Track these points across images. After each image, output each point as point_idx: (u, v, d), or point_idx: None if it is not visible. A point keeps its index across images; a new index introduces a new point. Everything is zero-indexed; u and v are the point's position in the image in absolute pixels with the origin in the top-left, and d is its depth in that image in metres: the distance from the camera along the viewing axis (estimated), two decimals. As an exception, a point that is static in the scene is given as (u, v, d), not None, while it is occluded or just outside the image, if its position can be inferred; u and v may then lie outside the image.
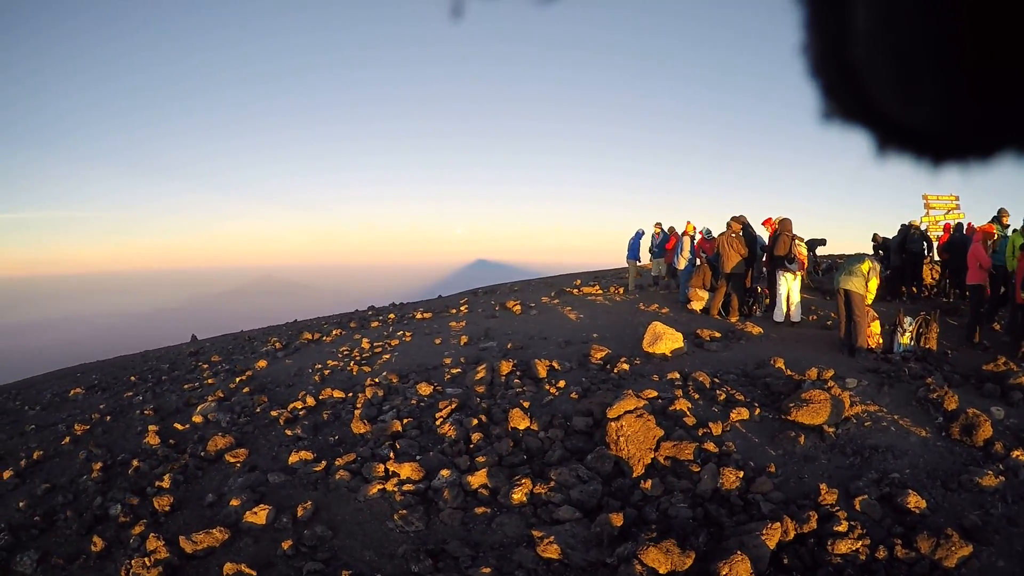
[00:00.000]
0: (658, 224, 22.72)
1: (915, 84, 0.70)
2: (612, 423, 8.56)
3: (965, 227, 19.48)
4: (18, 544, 7.78)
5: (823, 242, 20.34)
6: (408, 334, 17.09)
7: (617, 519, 6.87)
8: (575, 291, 22.63)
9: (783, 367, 11.40)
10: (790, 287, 15.63)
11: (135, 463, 9.73)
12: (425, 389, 11.43)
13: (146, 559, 6.73)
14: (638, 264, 23.49)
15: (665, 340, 13.03)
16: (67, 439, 11.67)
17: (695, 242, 19.35)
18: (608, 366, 12.26)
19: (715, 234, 18.17)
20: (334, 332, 19.46)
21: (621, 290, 22.22)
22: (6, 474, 10.18)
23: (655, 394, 10.07)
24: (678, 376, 11.19)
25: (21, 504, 8.96)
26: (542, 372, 11.71)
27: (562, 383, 11.10)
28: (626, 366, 11.94)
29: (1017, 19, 0.60)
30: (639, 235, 23.13)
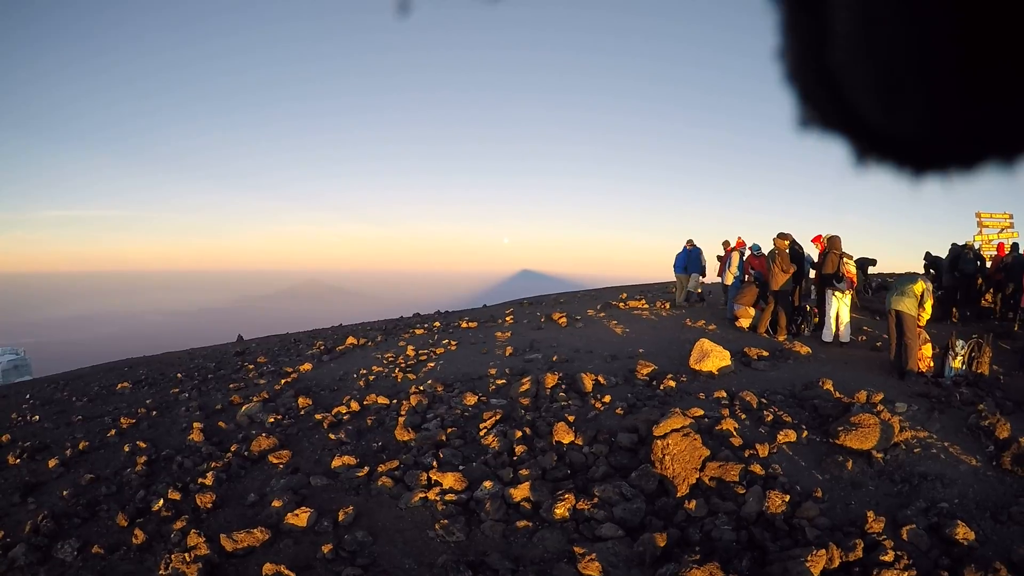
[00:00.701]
0: (690, 241, 22.44)
1: (897, 90, 0.68)
2: (658, 441, 8.47)
3: (1022, 247, 18.99)
4: (60, 532, 7.93)
5: (873, 262, 19.97)
6: (453, 343, 17.14)
7: (661, 539, 6.77)
8: (621, 305, 22.50)
9: (831, 389, 11.18)
10: (839, 306, 15.34)
11: (179, 459, 9.88)
12: (470, 399, 11.43)
13: (186, 555, 6.80)
14: (685, 277, 23.38)
15: (712, 358, 12.88)
16: (112, 432, 11.90)
17: (744, 258, 19.10)
18: (654, 382, 12.14)
19: (764, 250, 17.95)
20: (379, 338, 19.60)
21: (667, 305, 22.01)
22: (51, 463, 10.40)
23: (701, 413, 9.94)
24: (725, 395, 11.03)
25: (65, 493, 9.14)
26: (588, 386, 11.65)
27: (607, 398, 11.02)
28: (672, 383, 11.82)
29: (1005, 22, 0.58)
30: (686, 250, 23.00)
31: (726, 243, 22.11)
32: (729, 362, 12.98)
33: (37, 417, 14.89)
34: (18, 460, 10.99)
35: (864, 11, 0.65)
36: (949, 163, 0.71)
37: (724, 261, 20.72)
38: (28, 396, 19.45)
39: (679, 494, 7.92)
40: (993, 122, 0.65)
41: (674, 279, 23.41)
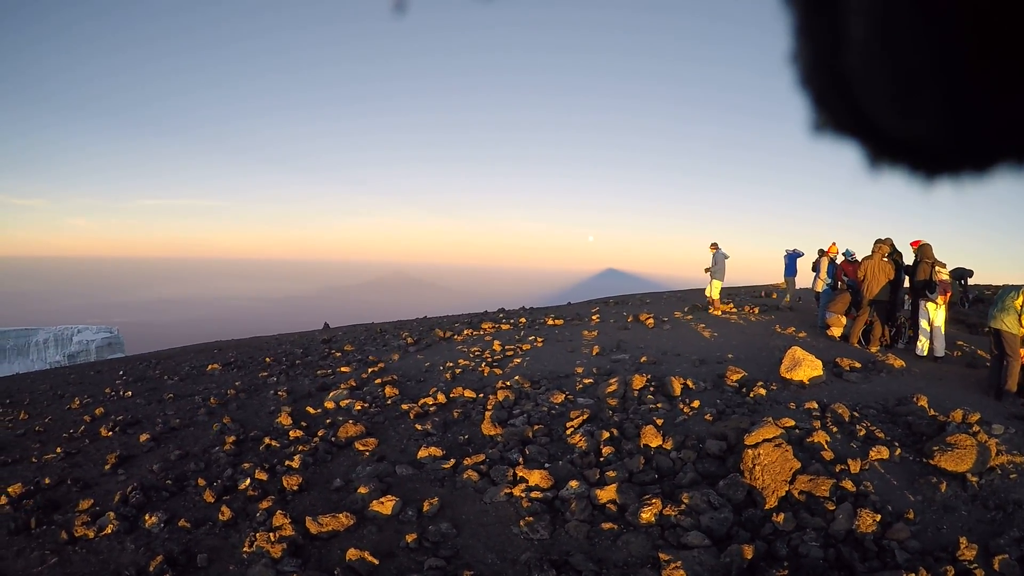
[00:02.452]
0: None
1: (911, 95, 0.68)
2: (749, 450, 8.27)
3: None
4: (148, 503, 8.25)
5: (970, 272, 19.10)
6: (540, 339, 17.18)
7: (748, 552, 6.62)
8: (709, 308, 22.20)
9: (926, 406, 10.69)
10: (933, 318, 14.71)
11: (267, 440, 10.16)
12: (557, 397, 11.41)
13: (271, 534, 6.95)
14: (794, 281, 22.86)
15: (804, 367, 12.50)
16: (202, 411, 12.33)
17: (837, 264, 18.52)
18: (743, 389, 11.86)
19: (859, 257, 17.33)
20: (465, 332, 19.73)
21: (756, 310, 21.55)
22: (142, 437, 10.83)
23: (792, 423, 9.65)
24: (816, 406, 10.67)
25: (155, 467, 9.53)
26: (677, 390, 11.48)
27: (696, 403, 10.83)
28: (762, 391, 11.53)
29: (1018, 27, 0.59)
30: (795, 254, 22.47)
31: (713, 245, 21.70)
32: (821, 372, 12.58)
33: (130, 393, 15.52)
34: (110, 433, 11.48)
35: (878, 16, 0.66)
36: (962, 167, 0.72)
37: (816, 267, 20.16)
38: (121, 372, 20.28)
39: (767, 506, 7.71)
40: (1007, 126, 0.66)
41: (768, 283, 22.93)
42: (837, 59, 0.72)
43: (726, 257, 21.49)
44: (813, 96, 0.78)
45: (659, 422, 9.97)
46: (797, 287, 23.90)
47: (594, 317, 21.22)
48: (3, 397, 18.50)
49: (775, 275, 24.78)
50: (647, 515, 7.38)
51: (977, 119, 0.66)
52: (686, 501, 7.60)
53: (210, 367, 18.24)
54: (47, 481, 9.20)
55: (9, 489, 8.80)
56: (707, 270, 21.70)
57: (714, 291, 21.91)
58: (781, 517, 7.36)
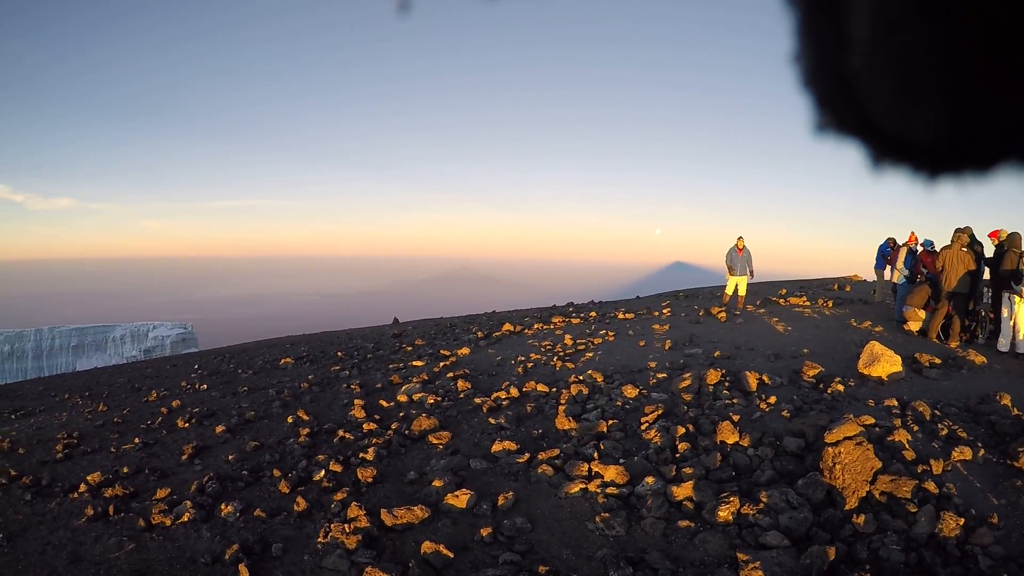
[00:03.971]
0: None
1: (913, 96, 0.68)
2: (829, 448, 8.04)
3: None
4: (224, 493, 8.45)
5: None
6: (611, 333, 17.11)
7: (831, 553, 6.44)
8: (781, 301, 21.80)
9: (1009, 405, 10.23)
10: (1017, 312, 14.05)
11: (341, 433, 10.30)
12: (631, 391, 11.31)
13: (346, 525, 7.03)
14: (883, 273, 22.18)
15: (883, 362, 12.09)
16: (276, 403, 12.56)
17: (917, 256, 17.87)
18: (821, 385, 11.56)
19: (939, 247, 16.67)
20: (536, 326, 19.75)
21: (830, 303, 21.01)
22: (218, 429, 11.10)
23: (872, 421, 9.37)
24: (896, 404, 10.33)
25: (230, 457, 9.78)
26: (753, 385, 11.26)
27: (773, 399, 10.61)
28: (840, 387, 11.20)
29: (1020, 27, 0.59)
30: (886, 245, 21.85)
31: (740, 239, 20.80)
32: (900, 368, 12.14)
33: (205, 386, 15.92)
34: (187, 424, 11.80)
35: (881, 17, 0.66)
36: (965, 166, 0.72)
37: (893, 259, 19.48)
38: (196, 366, 20.81)
39: (847, 507, 7.48)
40: (1009, 125, 0.66)
41: (843, 276, 22.30)
42: (840, 60, 0.73)
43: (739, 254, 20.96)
44: (816, 96, 0.79)
45: (735, 418, 9.79)
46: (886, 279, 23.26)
47: (665, 311, 21.08)
48: (83, 390, 19.15)
49: (857, 267, 24.08)
50: (724, 513, 7.24)
51: (979, 119, 0.66)
52: (764, 500, 7.43)
53: (283, 361, 18.60)
54: (125, 470, 9.52)
55: (89, 477, 9.14)
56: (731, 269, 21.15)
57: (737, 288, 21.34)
58: (862, 519, 7.14)
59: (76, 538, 7.48)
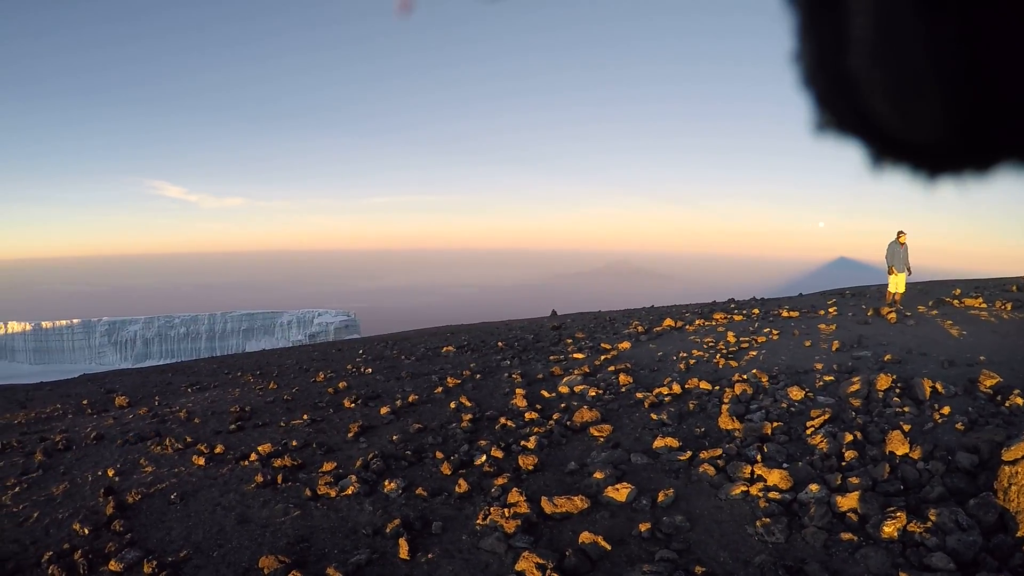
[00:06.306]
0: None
1: (914, 95, 0.68)
2: (1005, 467, 7.53)
3: None
4: (387, 471, 8.90)
5: None
6: (775, 332, 16.70)
7: (999, 583, 6.05)
8: (955, 302, 20.41)
9: None
10: None
11: (502, 420, 10.60)
12: (796, 394, 11.00)
13: (506, 510, 7.22)
14: None
15: (1068, 374, 11.24)
16: (439, 389, 13.04)
17: None
18: (999, 397, 10.75)
19: None
20: (697, 322, 19.52)
21: (1009, 306, 19.52)
22: (383, 410, 11.65)
23: (1054, 439, 8.74)
24: (1082, 421, 9.58)
25: (394, 437, 10.27)
26: (926, 393, 10.71)
27: (946, 409, 9.99)
28: (1020, 400, 10.36)
29: (1020, 27, 0.59)
30: None
31: (901, 233, 19.66)
32: (1089, 379, 11.25)
33: (370, 370, 16.66)
34: (353, 405, 12.43)
35: (881, 16, 0.66)
36: (965, 167, 0.73)
37: None
38: (361, 351, 21.71)
39: (1019, 533, 7.01)
40: (1009, 126, 0.66)
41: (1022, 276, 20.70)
42: (840, 60, 0.73)
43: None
44: (816, 96, 0.79)
45: (906, 428, 9.34)
46: None
47: (831, 310, 20.34)
48: (253, 369, 20.37)
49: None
50: (889, 529, 6.94)
51: (979, 119, 0.67)
52: (933, 518, 7.06)
53: (444, 349, 19.19)
54: (294, 443, 10.18)
55: (259, 448, 9.86)
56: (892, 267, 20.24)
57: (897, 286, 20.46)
58: (1032, 547, 6.69)
59: (244, 501, 8.11)
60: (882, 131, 0.76)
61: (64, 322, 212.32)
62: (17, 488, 9.11)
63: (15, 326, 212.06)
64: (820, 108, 0.79)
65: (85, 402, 16.47)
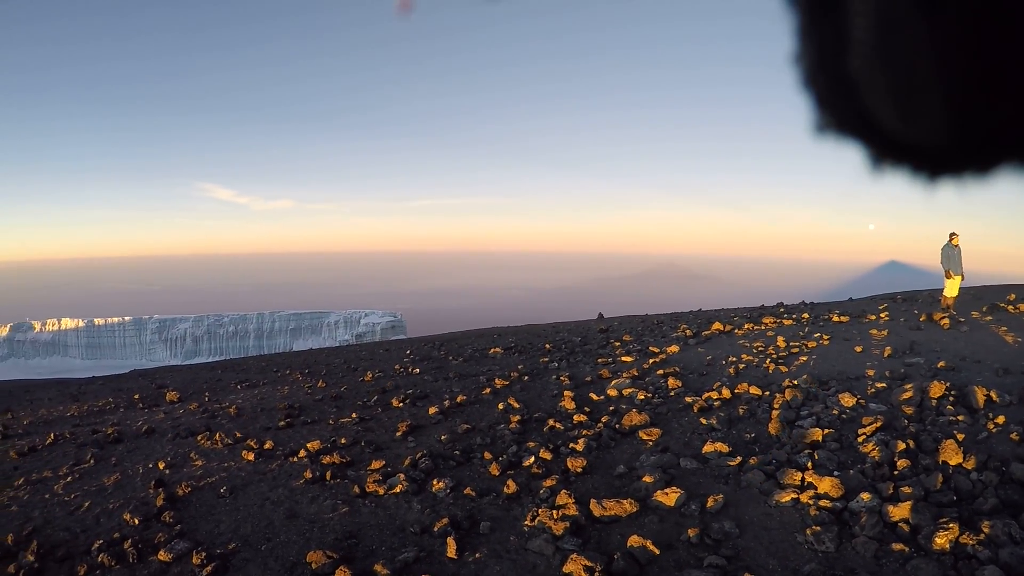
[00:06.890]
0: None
1: (914, 97, 0.69)
2: (1061, 479, 7.41)
3: None
4: (436, 470, 8.99)
5: None
6: (826, 337, 16.49)
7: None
8: (1010, 308, 19.85)
9: None
10: None
11: (551, 422, 10.63)
12: (847, 400, 10.86)
13: (554, 512, 7.26)
14: None
15: (1125, 384, 10.91)
16: (487, 390, 13.11)
17: None
18: (1055, 406, 10.60)
19: None
20: (746, 326, 19.38)
21: None
22: (431, 410, 11.75)
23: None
24: None
25: (443, 437, 10.38)
26: (980, 402, 10.49)
27: (1001, 419, 9.75)
28: None
29: (1020, 27, 0.60)
30: None
31: (953, 235, 18.89)
32: None
33: (417, 370, 16.81)
34: (401, 404, 12.56)
35: (881, 18, 0.67)
36: (965, 168, 0.74)
37: None
38: (408, 352, 21.89)
39: None
40: (1009, 128, 0.67)
41: None
42: (840, 60, 0.74)
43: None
44: (816, 97, 0.80)
45: (960, 437, 9.17)
46: None
47: (883, 315, 20.00)
48: (302, 367, 20.65)
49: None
50: (941, 540, 6.82)
51: (979, 120, 0.67)
52: (986, 530, 6.92)
53: (492, 350, 19.28)
54: (343, 441, 10.35)
55: (308, 444, 10.06)
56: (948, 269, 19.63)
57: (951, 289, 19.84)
58: (1086, 565, 6.53)
59: (293, 497, 8.28)
60: (882, 132, 0.77)
61: (116, 319, 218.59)
62: (69, 478, 9.42)
63: (68, 322, 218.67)
64: (820, 109, 0.81)
65: (136, 396, 16.89)
